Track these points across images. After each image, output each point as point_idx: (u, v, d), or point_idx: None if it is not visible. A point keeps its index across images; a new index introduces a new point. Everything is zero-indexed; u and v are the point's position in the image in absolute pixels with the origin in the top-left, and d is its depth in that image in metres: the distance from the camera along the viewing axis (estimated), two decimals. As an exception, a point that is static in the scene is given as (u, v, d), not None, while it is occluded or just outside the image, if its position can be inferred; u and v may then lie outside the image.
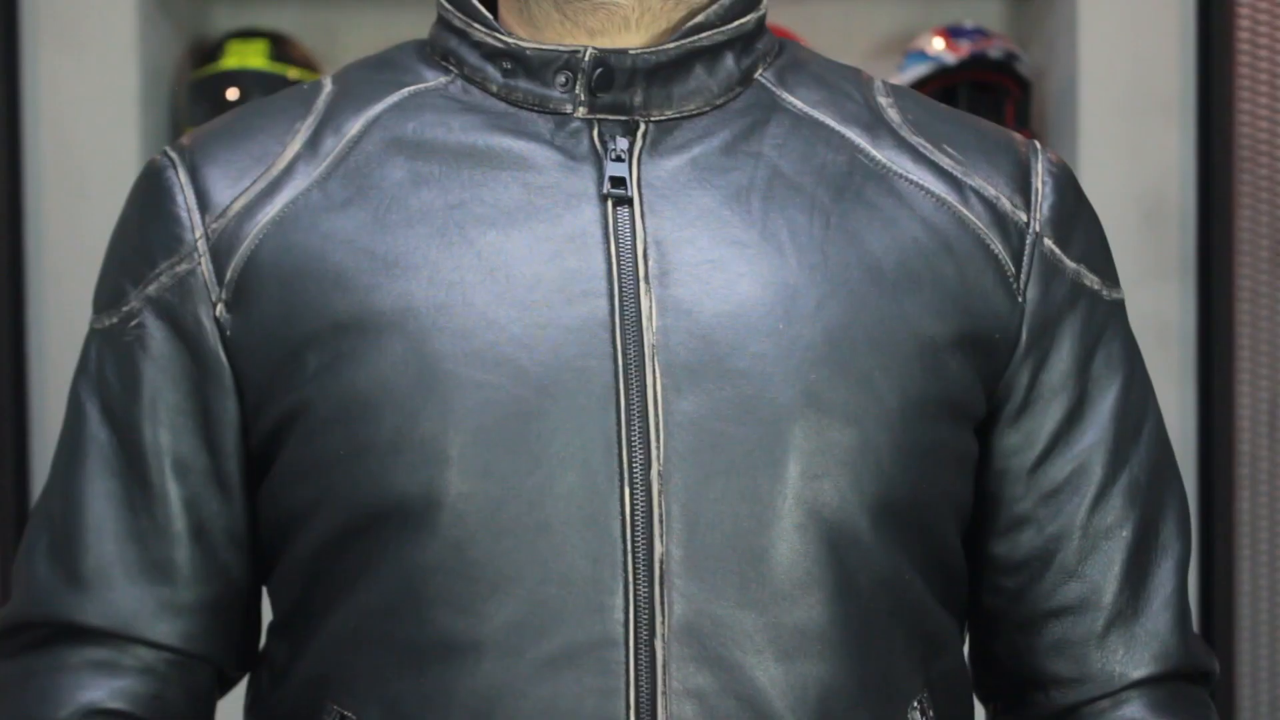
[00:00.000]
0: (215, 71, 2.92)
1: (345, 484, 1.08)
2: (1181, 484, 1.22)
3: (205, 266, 1.13)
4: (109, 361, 1.15)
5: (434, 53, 1.18)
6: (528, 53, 1.13)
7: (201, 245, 1.13)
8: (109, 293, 1.16)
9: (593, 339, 1.08)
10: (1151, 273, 2.81)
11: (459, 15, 1.16)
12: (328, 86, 1.18)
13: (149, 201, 1.16)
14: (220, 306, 1.12)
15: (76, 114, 2.82)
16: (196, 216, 1.14)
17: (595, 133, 1.12)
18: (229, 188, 1.14)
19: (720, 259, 1.10)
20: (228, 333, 1.12)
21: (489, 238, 1.10)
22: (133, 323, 1.13)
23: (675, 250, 1.10)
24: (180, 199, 1.14)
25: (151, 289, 1.13)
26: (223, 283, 1.12)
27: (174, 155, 1.16)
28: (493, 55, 1.14)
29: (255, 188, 1.14)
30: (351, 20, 3.05)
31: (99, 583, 1.13)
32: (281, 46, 2.95)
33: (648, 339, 1.08)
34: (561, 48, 1.12)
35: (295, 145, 1.14)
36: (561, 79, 1.12)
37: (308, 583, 1.12)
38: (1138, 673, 1.17)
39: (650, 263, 1.09)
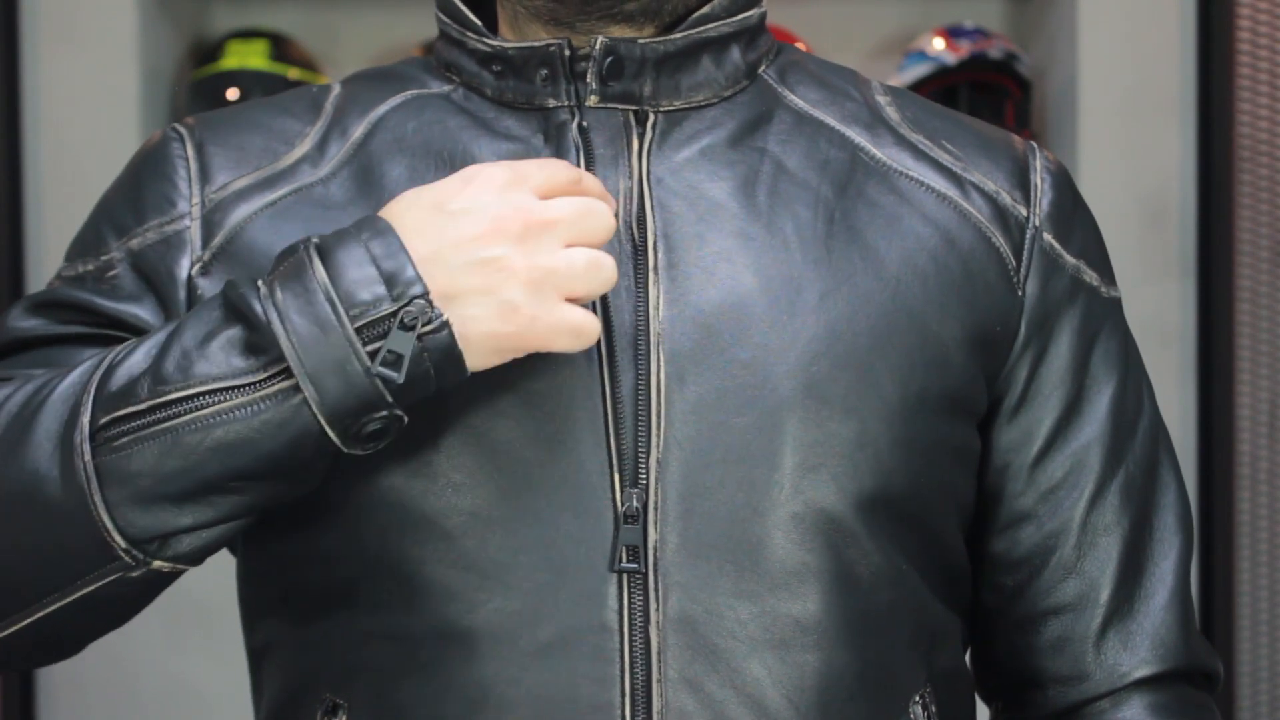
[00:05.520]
0: (215, 71, 2.92)
1: (333, 474, 1.08)
2: (1181, 482, 1.22)
3: (194, 230, 1.14)
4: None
5: (439, 65, 1.19)
6: (510, 53, 1.14)
7: (195, 211, 1.14)
8: (88, 241, 1.16)
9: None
10: (1152, 273, 2.81)
11: (455, 26, 1.17)
12: (336, 90, 1.20)
13: (149, 166, 1.17)
14: (198, 266, 1.13)
15: (76, 114, 2.83)
16: (195, 186, 1.15)
17: (576, 125, 1.13)
18: (231, 169, 1.15)
19: (726, 250, 1.11)
20: (197, 292, 1.12)
21: None
22: (109, 273, 1.14)
23: (683, 243, 1.10)
24: (182, 169, 1.15)
25: (134, 242, 1.14)
26: (207, 246, 1.13)
27: (181, 130, 1.17)
28: (485, 60, 1.16)
29: (257, 175, 1.15)
30: (351, 20, 3.06)
31: None
32: (281, 46, 2.95)
33: (653, 328, 1.09)
34: (537, 43, 1.13)
35: (302, 147, 1.16)
36: (543, 73, 1.13)
37: (300, 571, 1.12)
38: (1137, 672, 1.17)
39: (659, 255, 1.10)
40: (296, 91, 1.22)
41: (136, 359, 1.04)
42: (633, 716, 1.06)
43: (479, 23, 1.17)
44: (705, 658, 1.07)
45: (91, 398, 1.03)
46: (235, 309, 1.02)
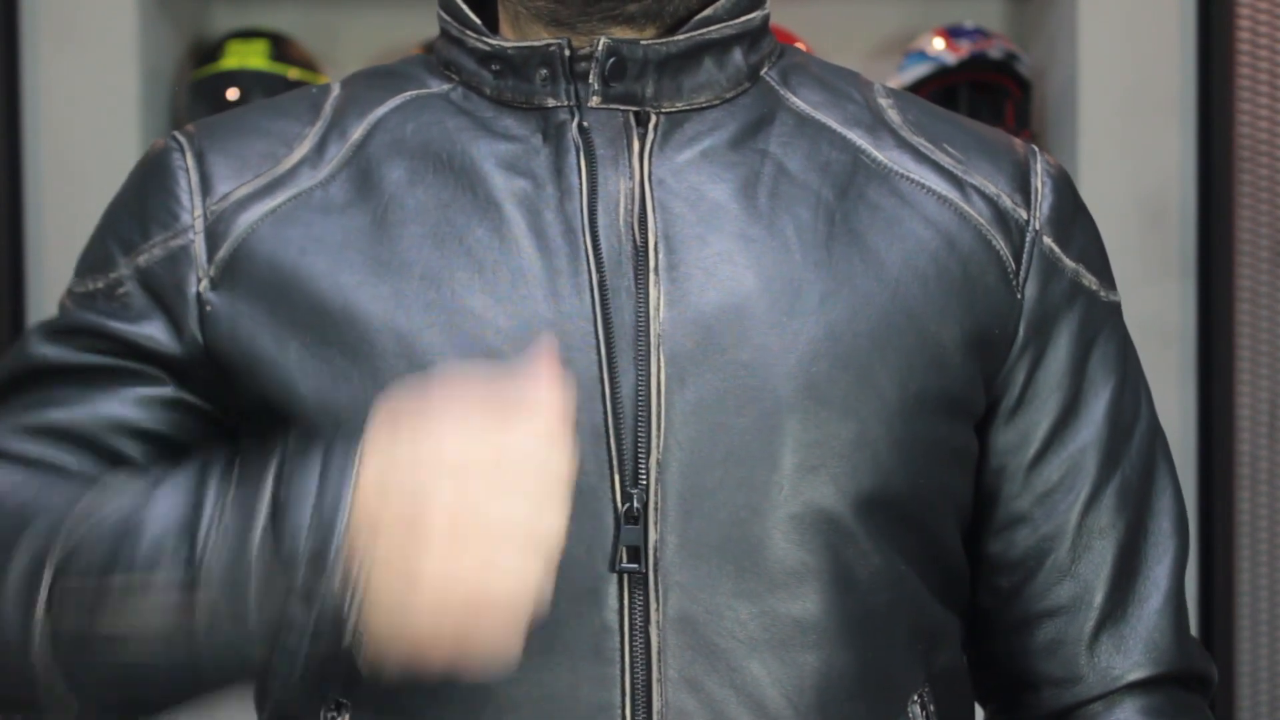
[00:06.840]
0: (215, 71, 2.92)
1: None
2: (1178, 487, 1.22)
3: (199, 244, 1.14)
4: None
5: (439, 63, 1.20)
6: (509, 52, 1.14)
7: (199, 224, 1.14)
8: (96, 258, 1.17)
9: (588, 331, 1.09)
10: (1152, 273, 2.81)
11: (454, 24, 1.17)
12: (335, 91, 1.20)
13: (151, 178, 1.17)
14: (205, 282, 1.13)
15: (76, 114, 2.83)
16: (197, 198, 1.15)
17: (576, 125, 1.13)
18: (232, 177, 1.15)
19: (727, 252, 1.11)
20: (207, 308, 1.12)
21: (478, 234, 1.11)
22: (119, 290, 1.14)
23: (684, 244, 1.11)
24: (183, 180, 1.15)
25: (142, 259, 1.14)
26: (212, 260, 1.13)
27: (181, 139, 1.17)
28: (485, 59, 1.16)
29: (257, 182, 1.15)
30: (351, 20, 3.06)
31: None
32: (281, 46, 2.95)
33: (653, 329, 1.09)
34: (537, 43, 1.14)
35: (302, 149, 1.16)
36: (543, 73, 1.13)
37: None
38: (1131, 675, 1.17)
39: (660, 256, 1.10)
40: (296, 93, 1.22)
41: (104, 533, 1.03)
42: (633, 716, 1.07)
43: (479, 21, 1.17)
44: (705, 657, 1.07)
45: (55, 560, 1.03)
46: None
